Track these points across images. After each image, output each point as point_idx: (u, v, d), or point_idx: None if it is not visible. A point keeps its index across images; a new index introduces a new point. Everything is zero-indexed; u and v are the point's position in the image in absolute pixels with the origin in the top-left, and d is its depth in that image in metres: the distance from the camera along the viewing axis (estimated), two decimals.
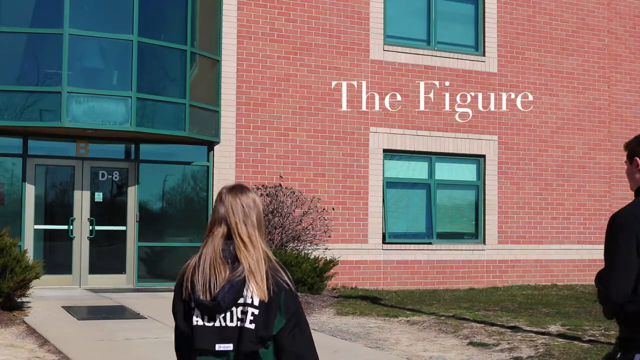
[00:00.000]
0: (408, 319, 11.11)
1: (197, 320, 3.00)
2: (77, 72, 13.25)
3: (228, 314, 2.99)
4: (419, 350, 8.89)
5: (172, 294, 3.17)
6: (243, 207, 3.11)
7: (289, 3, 15.57)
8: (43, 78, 13.16)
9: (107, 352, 8.28)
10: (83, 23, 13.25)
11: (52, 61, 13.13)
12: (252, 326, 2.96)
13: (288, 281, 3.07)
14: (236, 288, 2.98)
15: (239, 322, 2.98)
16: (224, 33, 14.95)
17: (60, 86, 12.95)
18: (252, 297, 2.98)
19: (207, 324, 3.00)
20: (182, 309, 3.05)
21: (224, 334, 2.99)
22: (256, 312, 2.97)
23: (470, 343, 9.30)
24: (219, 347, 2.99)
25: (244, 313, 2.98)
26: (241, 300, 2.98)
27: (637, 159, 3.65)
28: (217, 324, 3.00)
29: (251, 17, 15.22)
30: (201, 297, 2.98)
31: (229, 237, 3.07)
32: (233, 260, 3.02)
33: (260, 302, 2.98)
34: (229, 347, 2.98)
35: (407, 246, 16.30)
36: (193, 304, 3.01)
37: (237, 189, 3.17)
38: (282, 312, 3.02)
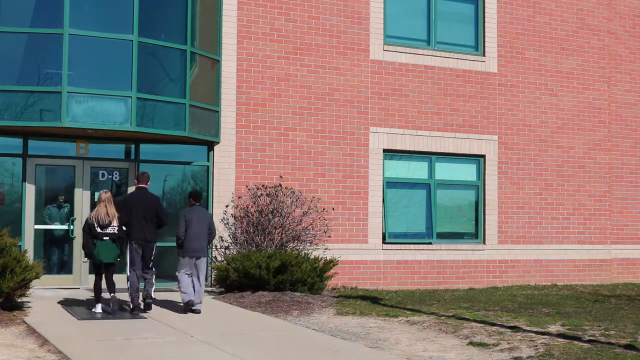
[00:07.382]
0: (408, 319, 11.11)
1: (99, 230, 10.87)
2: (77, 72, 13.24)
3: (108, 229, 10.90)
4: (419, 350, 8.89)
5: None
6: (110, 198, 11.10)
7: (289, 3, 15.57)
8: (43, 78, 13.16)
9: (107, 352, 8.28)
10: (83, 23, 13.25)
11: (52, 61, 13.14)
12: (116, 231, 10.98)
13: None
14: (110, 220, 10.96)
15: (110, 230, 10.92)
16: (224, 33, 14.96)
17: (60, 86, 12.96)
18: (115, 224, 10.98)
19: (101, 231, 10.88)
20: (94, 227, 10.82)
21: (106, 235, 10.91)
22: (117, 228, 11.00)
23: (470, 343, 9.30)
24: (104, 237, 10.88)
25: (113, 229, 10.95)
26: (111, 224, 10.95)
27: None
28: (104, 231, 10.88)
29: (251, 17, 15.23)
30: (102, 222, 10.87)
31: (105, 207, 10.98)
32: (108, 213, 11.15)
33: (117, 226, 11.01)
34: (107, 238, 10.89)
35: (407, 246, 16.31)
36: (96, 225, 10.83)
37: (106, 192, 11.16)
38: (122, 229, 11.19)
